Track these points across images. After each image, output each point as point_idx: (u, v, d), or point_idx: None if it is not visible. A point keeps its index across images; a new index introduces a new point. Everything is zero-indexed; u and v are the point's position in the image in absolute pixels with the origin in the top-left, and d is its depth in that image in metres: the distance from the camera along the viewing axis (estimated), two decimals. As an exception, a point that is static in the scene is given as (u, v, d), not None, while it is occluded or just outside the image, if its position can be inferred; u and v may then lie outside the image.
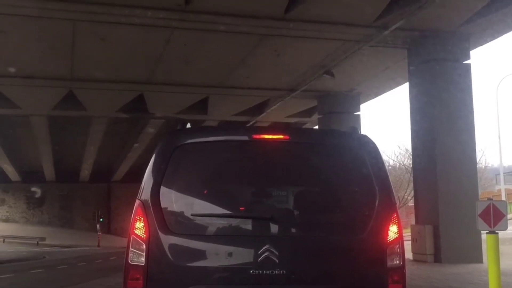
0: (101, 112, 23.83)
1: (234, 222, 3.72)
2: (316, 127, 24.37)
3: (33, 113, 23.83)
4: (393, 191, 3.90)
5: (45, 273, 15.94)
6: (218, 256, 3.57)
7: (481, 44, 16.41)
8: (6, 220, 42.18)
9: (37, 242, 36.83)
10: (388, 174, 3.93)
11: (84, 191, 43.02)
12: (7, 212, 42.74)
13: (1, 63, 17.58)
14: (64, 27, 15.23)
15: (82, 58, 17.69)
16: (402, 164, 41.25)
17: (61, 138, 29.02)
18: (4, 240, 36.54)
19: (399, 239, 3.63)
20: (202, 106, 23.03)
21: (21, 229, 39.78)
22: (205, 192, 3.85)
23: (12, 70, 18.04)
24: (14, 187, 41.87)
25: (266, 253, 3.45)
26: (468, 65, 15.51)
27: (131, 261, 3.55)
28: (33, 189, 37.35)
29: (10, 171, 37.99)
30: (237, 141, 3.97)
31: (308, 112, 25.34)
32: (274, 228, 3.62)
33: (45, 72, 18.87)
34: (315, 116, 24.26)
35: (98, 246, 35.67)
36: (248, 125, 22.16)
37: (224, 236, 3.67)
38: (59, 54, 17.28)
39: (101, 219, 39.01)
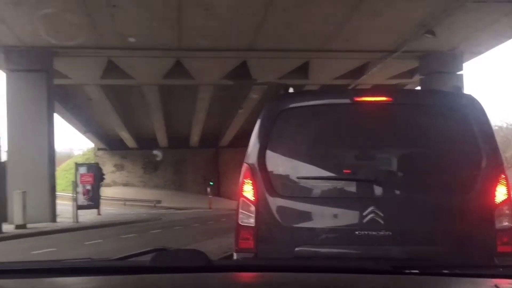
0: (207, 80, 24.59)
1: (339, 184, 3.81)
2: (418, 88, 23.53)
3: (145, 82, 25.10)
4: (500, 151, 3.77)
5: (163, 234, 17.01)
6: (324, 217, 3.69)
7: None
8: (126, 184, 45.24)
9: (154, 205, 39.28)
10: (494, 133, 3.80)
11: (194, 156, 44.87)
12: (126, 177, 45.81)
13: (114, 36, 18.66)
14: (170, -2, 15.89)
15: (188, 28, 18.30)
16: (509, 124, 38.52)
17: (172, 106, 30.43)
18: (125, 203, 39.36)
19: (508, 200, 3.53)
20: (303, 70, 23.09)
21: (140, 193, 42.53)
22: (310, 155, 3.93)
23: (124, 42, 19.12)
24: (131, 153, 44.70)
25: (372, 215, 3.51)
26: None
27: (241, 222, 3.73)
28: (154, 152, 39.67)
29: (127, 138, 40.55)
30: (339, 104, 4.01)
31: (409, 73, 24.48)
32: (378, 190, 3.66)
33: (155, 43, 19.78)
34: (417, 77, 23.40)
35: (209, 208, 37.27)
36: (349, 88, 21.99)
37: (329, 198, 3.77)
38: (167, 25, 18.02)
39: (211, 183, 40.67)
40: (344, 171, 3.89)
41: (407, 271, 1.64)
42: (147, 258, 1.65)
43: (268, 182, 3.69)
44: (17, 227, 16.53)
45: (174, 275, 1.57)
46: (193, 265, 1.58)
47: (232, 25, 17.89)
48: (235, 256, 3.77)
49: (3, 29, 15.88)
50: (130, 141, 41.70)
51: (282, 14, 16.65)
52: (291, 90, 4.39)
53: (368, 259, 1.85)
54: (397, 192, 3.80)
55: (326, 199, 3.77)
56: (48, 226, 18.31)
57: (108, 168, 41.81)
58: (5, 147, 19.33)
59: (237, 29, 18.41)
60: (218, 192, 43.00)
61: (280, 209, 3.67)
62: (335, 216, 3.68)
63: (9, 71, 20.12)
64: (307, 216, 3.71)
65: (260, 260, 2.21)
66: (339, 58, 21.77)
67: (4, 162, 18.66)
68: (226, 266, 1.83)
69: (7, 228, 15.88)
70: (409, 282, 1.58)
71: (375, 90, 4.96)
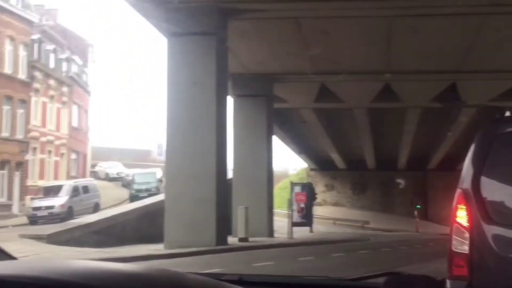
0: (415, 102, 24.35)
1: None
2: None
3: (355, 106, 25.78)
4: None
5: (372, 254, 16.93)
6: None
7: None
8: (336, 204, 46.18)
9: (362, 225, 39.38)
10: None
11: (402, 179, 43.99)
12: (336, 196, 46.79)
13: (326, 62, 19.63)
14: (380, 23, 16.35)
15: (397, 51, 18.54)
16: None
17: (379, 129, 30.58)
18: (334, 222, 40.22)
19: None
20: (515, 92, 21.63)
21: (347, 213, 43.02)
22: None
23: (336, 67, 20.02)
24: (341, 174, 45.65)
25: None
26: None
27: (455, 248, 3.60)
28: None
29: (337, 159, 41.62)
30: None
31: None
32: None
33: (364, 67, 20.36)
34: None
35: (416, 231, 36.04)
36: None
37: None
38: (376, 50, 18.51)
39: (418, 206, 39.39)
40: None
41: None
42: (380, 280, 1.72)
43: (483, 209, 3.56)
44: (240, 240, 17.97)
45: None
46: None
47: (441, 46, 17.67)
48: (448, 284, 3.58)
49: (231, 59, 17.20)
50: (339, 162, 42.71)
51: (494, 34, 15.94)
52: (507, 113, 4.31)
53: None
54: None
55: None
56: (267, 240, 19.73)
57: (319, 188, 43.12)
58: (231, 166, 21.53)
59: (446, 51, 18.15)
60: (425, 216, 41.42)
61: (497, 237, 3.49)
62: None
63: (236, 96, 22.47)
64: None
65: None
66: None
67: (230, 179, 20.46)
68: None
69: (232, 240, 17.27)
70: None
71: None
